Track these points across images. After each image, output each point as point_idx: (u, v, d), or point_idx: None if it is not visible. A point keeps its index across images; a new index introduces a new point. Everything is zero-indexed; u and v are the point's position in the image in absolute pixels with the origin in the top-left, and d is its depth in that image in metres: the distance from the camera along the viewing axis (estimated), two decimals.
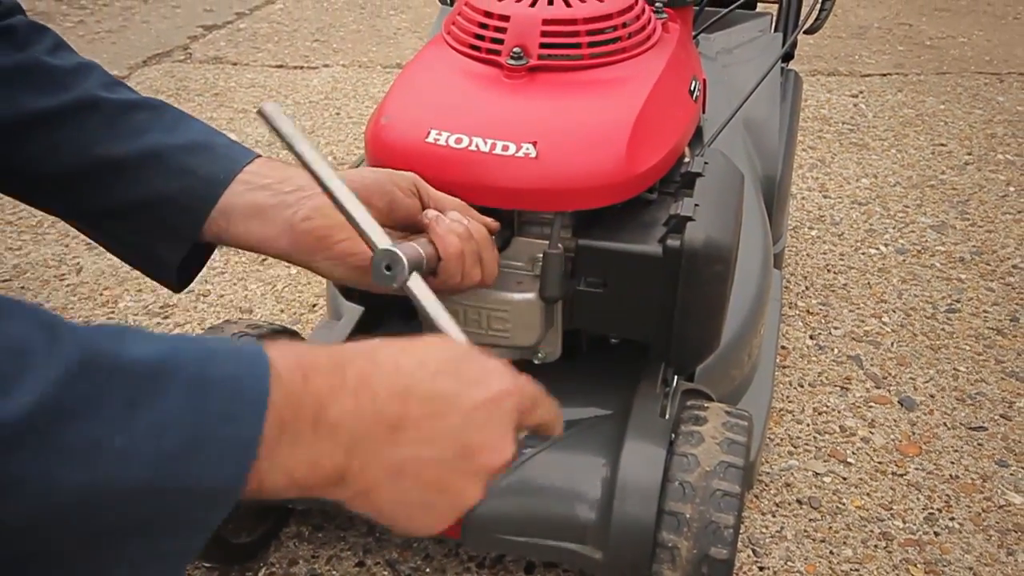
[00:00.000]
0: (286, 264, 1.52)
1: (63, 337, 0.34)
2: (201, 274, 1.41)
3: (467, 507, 0.46)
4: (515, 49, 0.80)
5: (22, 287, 1.46)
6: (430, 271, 0.64)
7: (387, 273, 0.56)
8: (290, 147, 0.53)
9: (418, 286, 0.56)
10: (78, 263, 1.52)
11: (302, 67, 2.55)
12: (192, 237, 0.64)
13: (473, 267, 0.66)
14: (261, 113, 0.53)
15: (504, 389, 0.47)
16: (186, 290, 1.46)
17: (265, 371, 0.38)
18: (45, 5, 3.10)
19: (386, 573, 0.92)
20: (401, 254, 0.55)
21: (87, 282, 1.47)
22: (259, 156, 0.68)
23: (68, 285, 1.46)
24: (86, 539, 0.34)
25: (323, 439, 0.40)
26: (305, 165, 0.55)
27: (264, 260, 1.53)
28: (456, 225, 0.65)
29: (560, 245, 0.75)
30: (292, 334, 0.94)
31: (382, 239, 0.56)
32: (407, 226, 0.66)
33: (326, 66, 2.55)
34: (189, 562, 0.39)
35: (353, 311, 0.94)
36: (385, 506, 0.44)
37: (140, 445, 0.34)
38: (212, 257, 1.54)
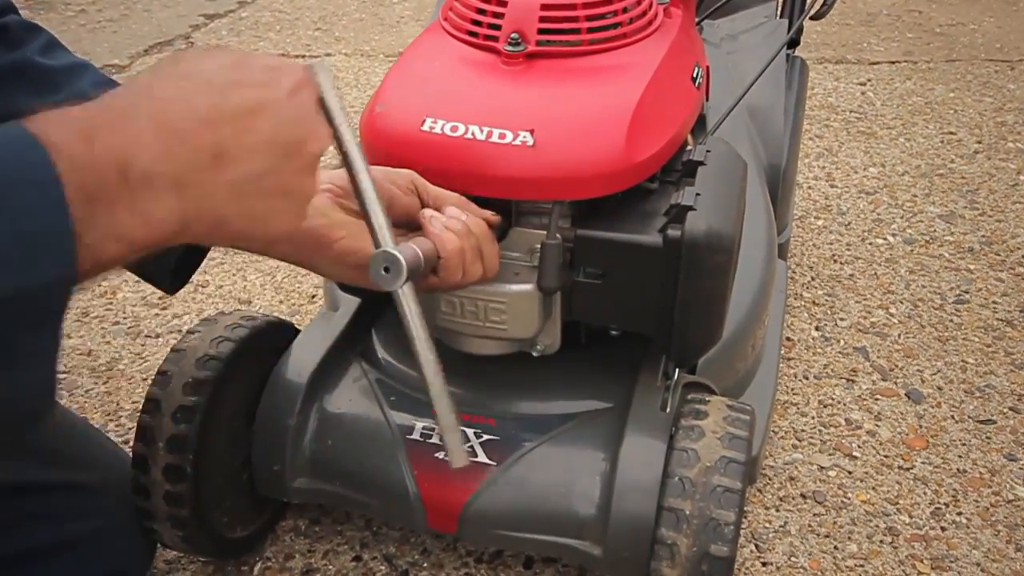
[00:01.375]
0: None
1: None
2: (200, 265, 1.39)
3: (311, 197, 0.47)
4: (513, 35, 0.78)
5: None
6: (430, 271, 0.63)
7: (384, 275, 0.55)
8: (328, 119, 0.51)
9: (407, 297, 0.55)
10: None
11: (304, 56, 2.53)
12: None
13: (474, 263, 0.65)
14: (310, 72, 0.50)
15: (296, 78, 0.46)
16: None
17: (42, 153, 0.36)
18: None
19: (383, 567, 0.91)
20: (402, 259, 0.54)
21: None
22: None
23: None
24: None
25: (141, 193, 0.39)
26: (338, 143, 0.53)
27: None
28: (454, 222, 0.64)
29: (558, 235, 0.73)
30: (287, 325, 0.92)
31: (388, 240, 0.55)
32: (406, 224, 0.65)
33: (328, 55, 2.53)
34: (54, 362, 0.38)
35: (351, 303, 0.92)
36: (238, 228, 0.44)
37: None
38: (211, 249, 1.52)
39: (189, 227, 0.41)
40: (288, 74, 0.46)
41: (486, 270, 0.67)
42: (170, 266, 0.64)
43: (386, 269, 0.55)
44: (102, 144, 0.38)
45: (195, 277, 1.41)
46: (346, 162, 0.54)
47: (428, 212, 0.64)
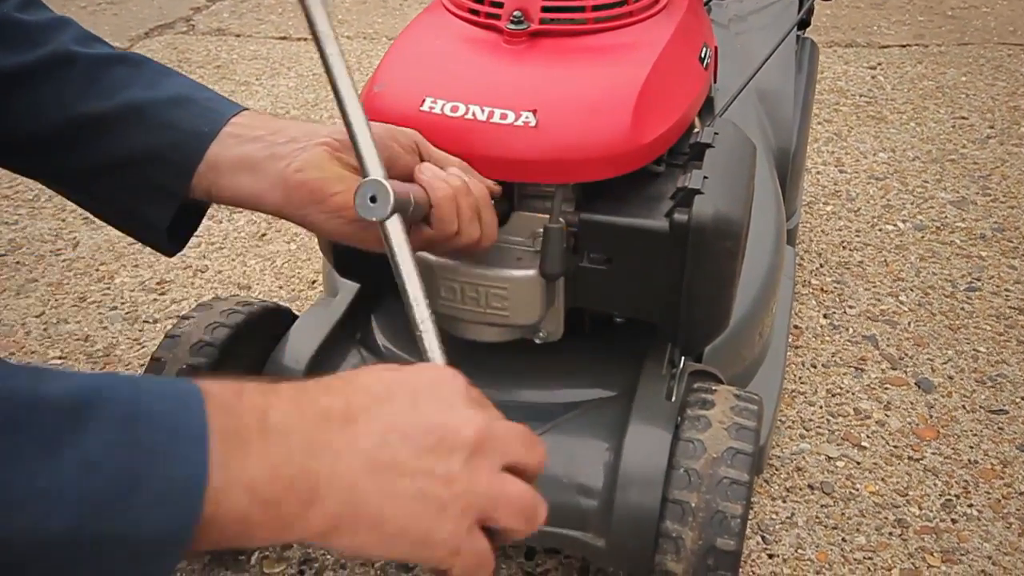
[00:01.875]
0: (286, 240, 1.49)
1: None
2: (199, 249, 1.38)
3: (457, 502, 0.41)
4: (515, 13, 0.76)
5: (17, 262, 1.43)
6: (420, 217, 0.61)
7: (370, 205, 0.53)
8: (317, 44, 0.50)
9: (395, 230, 0.53)
10: (75, 238, 1.49)
11: (306, 39, 2.50)
12: (179, 194, 0.61)
13: (471, 222, 0.63)
14: None
15: (468, 450, 0.42)
16: (184, 266, 1.44)
17: (200, 402, 0.35)
18: None
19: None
20: (389, 187, 0.52)
21: (83, 257, 1.44)
22: (246, 109, 0.65)
23: (64, 260, 1.44)
24: None
25: (273, 444, 0.37)
26: (327, 69, 0.52)
27: (263, 236, 1.50)
28: (452, 178, 0.62)
29: (562, 219, 0.71)
30: (284, 311, 0.90)
31: (376, 169, 0.53)
32: (405, 182, 0.63)
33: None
34: None
35: (350, 288, 0.91)
36: (379, 505, 0.39)
37: (65, 487, 0.31)
38: (211, 232, 1.51)
39: (322, 500, 0.38)
40: (457, 449, 0.42)
41: (484, 235, 0.64)
42: (164, 224, 0.62)
43: (372, 199, 0.53)
44: (249, 398, 0.38)
45: (194, 262, 1.41)
46: (334, 88, 0.52)
47: (423, 165, 0.62)
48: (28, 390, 0.32)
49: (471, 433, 0.42)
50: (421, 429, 0.41)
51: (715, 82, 1.00)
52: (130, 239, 1.33)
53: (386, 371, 0.44)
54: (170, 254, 0.67)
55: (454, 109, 0.70)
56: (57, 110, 0.61)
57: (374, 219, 0.53)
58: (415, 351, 0.86)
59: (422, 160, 0.64)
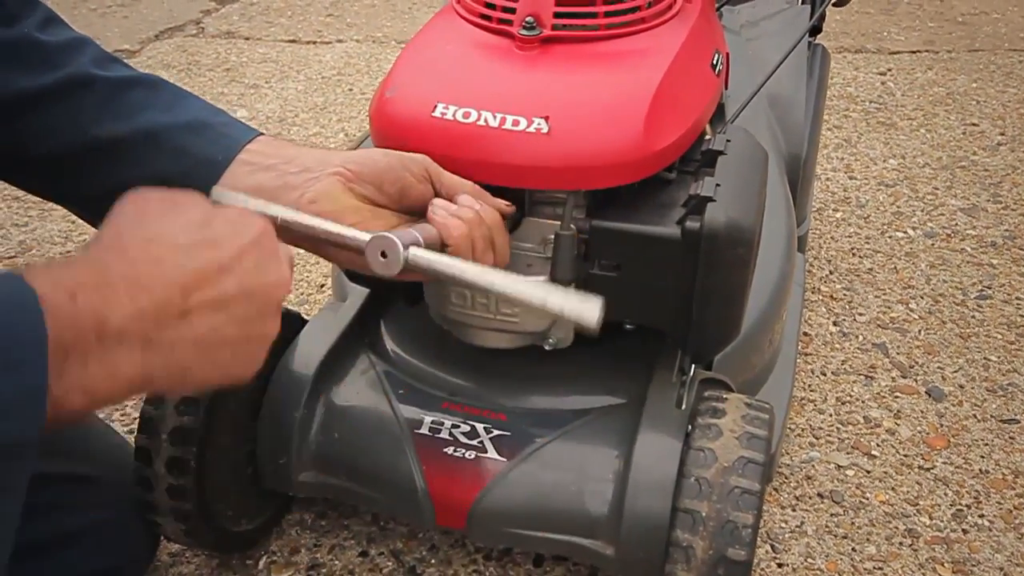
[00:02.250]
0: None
1: None
2: None
3: (272, 337, 0.49)
4: (528, 19, 0.76)
5: (28, 264, 1.44)
6: (435, 249, 0.62)
7: (384, 260, 0.54)
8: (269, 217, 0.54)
9: (420, 255, 0.54)
10: (85, 240, 1.50)
11: (315, 42, 2.50)
12: None
13: (485, 252, 0.64)
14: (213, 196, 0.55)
15: (258, 229, 0.48)
16: None
17: (37, 311, 0.37)
18: None
19: (390, 563, 0.89)
20: (398, 242, 0.53)
21: None
22: (261, 135, 0.65)
23: None
24: None
25: (112, 348, 0.41)
26: (287, 226, 0.55)
27: None
28: (465, 211, 0.62)
29: (573, 226, 0.71)
30: (294, 316, 0.90)
31: (361, 234, 0.55)
32: (418, 212, 0.64)
33: (339, 41, 2.51)
34: (12, 528, 0.39)
35: (359, 293, 0.90)
36: (200, 378, 0.46)
37: None
38: None
39: (152, 381, 0.43)
40: (249, 226, 0.48)
41: (497, 259, 0.65)
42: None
43: (383, 254, 0.54)
44: (84, 301, 0.40)
45: None
46: (309, 233, 0.56)
47: (437, 201, 0.63)
48: None
49: (282, 292, 0.49)
50: (245, 298, 0.47)
51: (727, 88, 1.00)
52: None
53: (207, 237, 0.46)
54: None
55: (466, 115, 0.70)
56: (73, 133, 0.61)
57: (389, 275, 0.54)
58: (424, 356, 0.87)
59: (434, 186, 0.64)
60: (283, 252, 0.50)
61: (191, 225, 0.46)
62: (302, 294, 1.36)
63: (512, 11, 0.77)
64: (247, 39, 2.52)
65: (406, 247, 0.54)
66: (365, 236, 0.55)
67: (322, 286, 1.38)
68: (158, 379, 0.44)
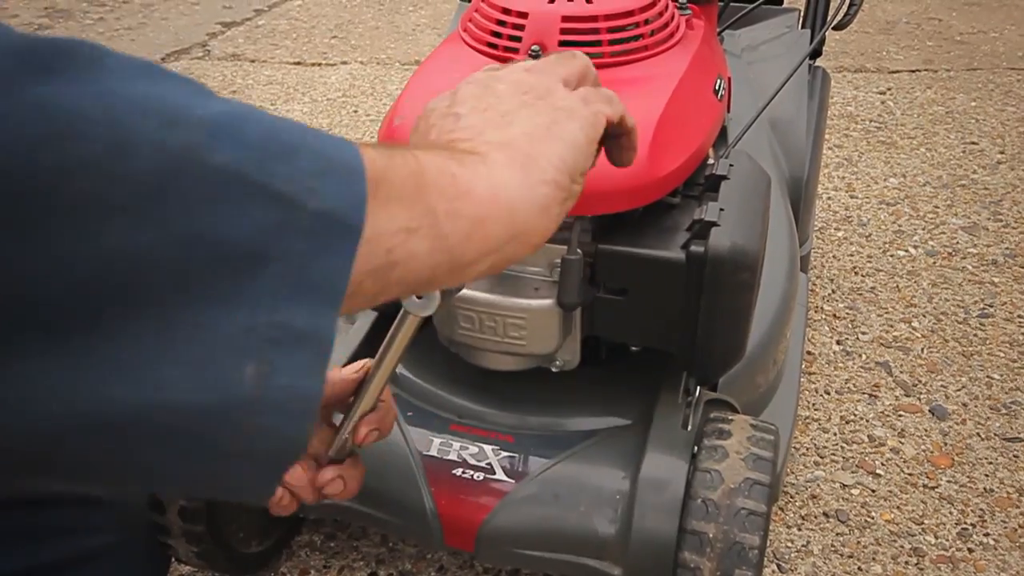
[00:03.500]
0: None
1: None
2: None
3: (591, 101, 0.48)
4: (533, 47, 0.77)
5: None
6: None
7: (419, 301, 0.54)
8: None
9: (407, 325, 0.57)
10: None
11: (320, 64, 2.53)
12: None
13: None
14: None
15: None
16: None
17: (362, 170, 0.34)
18: (66, 3, 3.11)
19: None
20: None
21: None
22: None
23: None
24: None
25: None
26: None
27: None
28: None
29: (579, 250, 0.72)
30: None
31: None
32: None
33: (344, 63, 2.53)
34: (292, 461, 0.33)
35: (367, 315, 0.91)
36: (507, 131, 0.44)
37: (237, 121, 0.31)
38: None
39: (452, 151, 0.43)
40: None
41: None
42: None
43: (418, 296, 0.54)
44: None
45: None
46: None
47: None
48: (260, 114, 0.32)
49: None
50: (519, 80, 0.47)
51: (729, 112, 1.01)
52: None
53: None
54: None
55: None
56: None
57: (419, 315, 0.55)
58: (433, 378, 0.87)
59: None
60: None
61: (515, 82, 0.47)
62: None
63: (518, 39, 0.79)
64: (252, 61, 2.55)
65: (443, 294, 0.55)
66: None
67: None
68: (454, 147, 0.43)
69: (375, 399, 0.59)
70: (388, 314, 0.90)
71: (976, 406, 1.17)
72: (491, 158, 0.41)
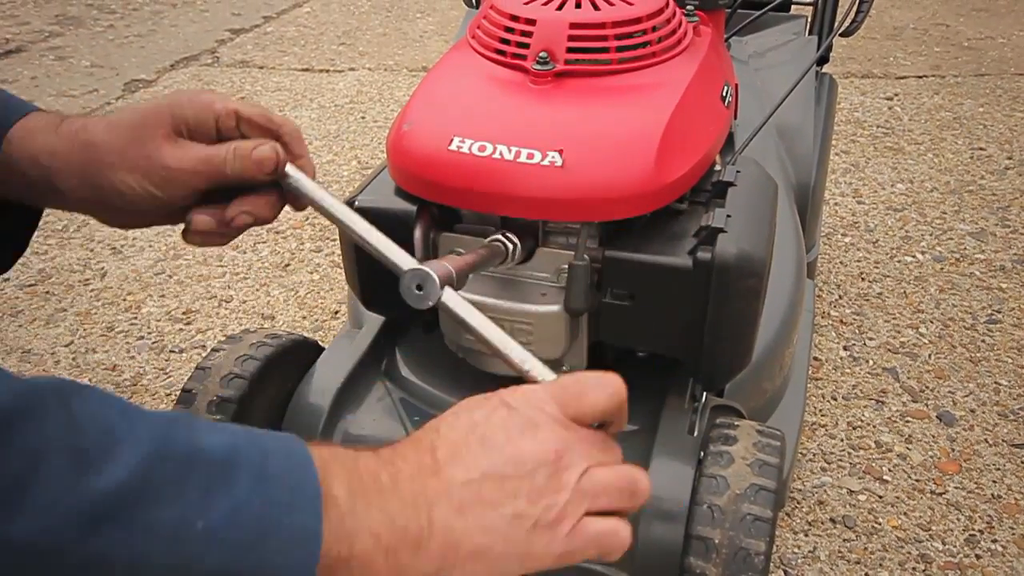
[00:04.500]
0: (309, 271, 1.51)
1: (140, 421, 0.36)
2: (224, 280, 1.39)
3: (556, 506, 0.44)
4: (541, 54, 0.77)
5: (47, 291, 1.46)
6: (461, 285, 0.63)
7: (419, 293, 0.55)
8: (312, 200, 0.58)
9: (453, 300, 0.55)
10: (102, 268, 1.52)
11: (328, 70, 2.54)
12: None
13: None
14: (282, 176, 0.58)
15: (568, 498, 0.45)
16: (208, 296, 1.46)
17: (312, 467, 0.40)
18: (76, 10, 3.13)
19: None
20: (432, 272, 0.54)
21: (111, 287, 1.47)
22: (38, 110, 0.60)
23: (92, 290, 1.46)
24: None
25: (388, 499, 0.42)
26: (318, 207, 0.58)
27: (287, 266, 1.52)
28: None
29: (586, 256, 0.72)
30: (312, 344, 0.92)
31: (404, 259, 0.55)
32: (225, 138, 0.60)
33: (352, 69, 2.54)
34: None
35: (374, 320, 0.92)
36: (478, 547, 0.43)
37: (219, 530, 0.36)
38: (235, 263, 1.53)
39: (431, 539, 0.43)
40: (538, 468, 0.45)
41: None
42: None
43: (419, 287, 0.55)
44: (363, 461, 0.43)
45: (219, 292, 1.43)
46: (330, 216, 0.59)
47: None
48: (188, 443, 0.37)
49: (547, 452, 0.45)
50: (500, 462, 0.45)
51: (736, 118, 1.02)
52: (156, 269, 1.35)
53: (460, 415, 0.47)
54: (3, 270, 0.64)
55: (482, 148, 0.71)
56: None
57: (418, 307, 0.55)
58: (440, 383, 0.88)
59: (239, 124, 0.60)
60: (553, 415, 0.46)
61: (503, 461, 0.45)
62: (317, 320, 1.38)
63: (526, 46, 0.79)
64: (261, 68, 2.56)
65: (443, 285, 0.55)
66: (405, 264, 0.56)
67: (336, 312, 1.40)
68: (433, 547, 0.43)
69: (511, 342, 0.55)
70: (394, 321, 0.91)
71: (984, 412, 1.17)
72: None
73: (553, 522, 0.44)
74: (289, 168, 0.59)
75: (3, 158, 0.57)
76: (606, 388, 0.49)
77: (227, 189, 0.59)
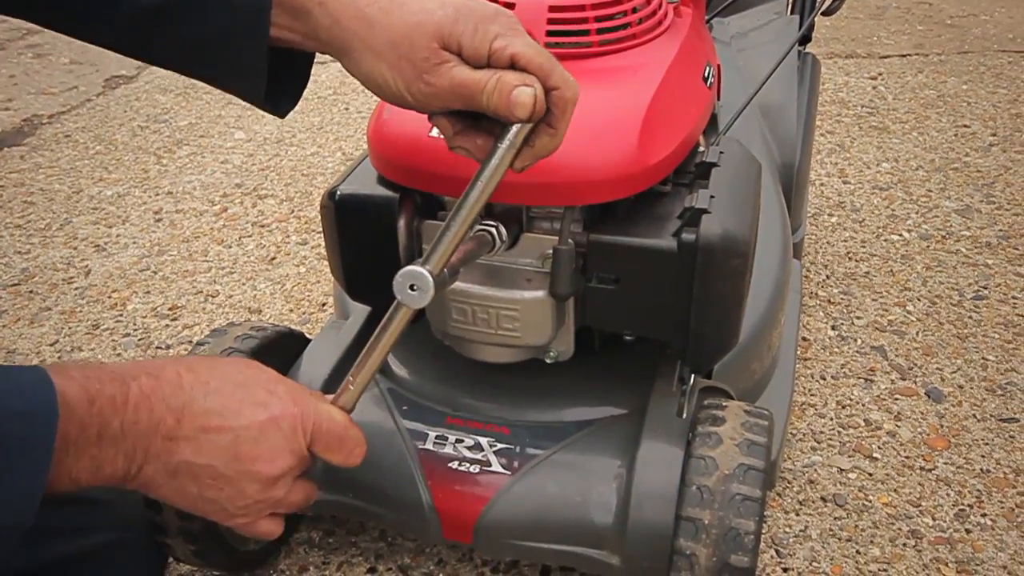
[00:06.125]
0: (295, 263, 1.50)
1: None
2: (209, 275, 1.38)
3: (252, 515, 0.56)
4: None
5: (31, 291, 1.45)
6: (453, 281, 0.64)
7: (410, 292, 0.57)
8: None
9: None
10: (87, 266, 1.51)
11: (324, 62, 2.52)
12: (255, 52, 0.59)
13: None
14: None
15: (284, 412, 0.55)
16: (194, 291, 1.44)
17: (52, 427, 0.44)
18: None
19: None
20: (430, 278, 0.56)
21: (96, 285, 1.46)
22: None
23: (76, 288, 1.45)
24: None
25: (106, 448, 0.47)
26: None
27: (273, 259, 1.51)
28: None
29: (570, 240, 0.72)
30: (298, 336, 0.91)
31: (432, 261, 0.58)
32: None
33: (334, 61, 2.53)
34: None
35: (360, 311, 0.91)
36: (169, 497, 0.53)
37: None
38: (221, 257, 1.52)
39: (128, 481, 0.51)
40: (281, 404, 0.55)
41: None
42: (261, 96, 0.62)
43: (412, 287, 0.57)
44: (98, 406, 0.47)
45: (205, 287, 1.42)
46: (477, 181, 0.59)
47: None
48: None
49: (272, 476, 0.54)
50: (228, 466, 0.52)
51: (719, 99, 1.01)
52: (141, 266, 1.34)
53: (233, 398, 0.53)
54: (281, 115, 0.66)
55: None
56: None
57: (413, 307, 0.58)
58: (427, 372, 0.88)
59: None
60: (299, 443, 0.56)
61: (233, 377, 0.53)
62: (304, 313, 1.38)
63: None
64: None
65: (437, 285, 0.57)
66: (430, 264, 0.57)
67: (323, 305, 1.39)
68: (130, 482, 0.51)
69: (362, 389, 0.61)
70: (381, 311, 0.90)
71: (971, 388, 1.17)
72: None
73: (237, 516, 0.55)
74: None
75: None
76: (352, 455, 0.61)
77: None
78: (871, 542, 0.94)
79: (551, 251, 0.72)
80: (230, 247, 1.53)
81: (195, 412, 0.51)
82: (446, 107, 0.59)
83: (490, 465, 0.78)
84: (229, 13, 0.59)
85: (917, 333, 1.28)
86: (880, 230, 1.57)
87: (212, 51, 0.61)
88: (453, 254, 0.59)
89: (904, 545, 0.94)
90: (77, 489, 0.47)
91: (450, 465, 0.78)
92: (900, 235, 1.55)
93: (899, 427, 1.11)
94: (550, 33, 0.77)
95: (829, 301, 1.37)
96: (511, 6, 0.78)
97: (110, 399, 0.47)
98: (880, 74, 2.32)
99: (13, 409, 0.43)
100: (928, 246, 1.51)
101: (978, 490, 1.01)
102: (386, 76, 0.58)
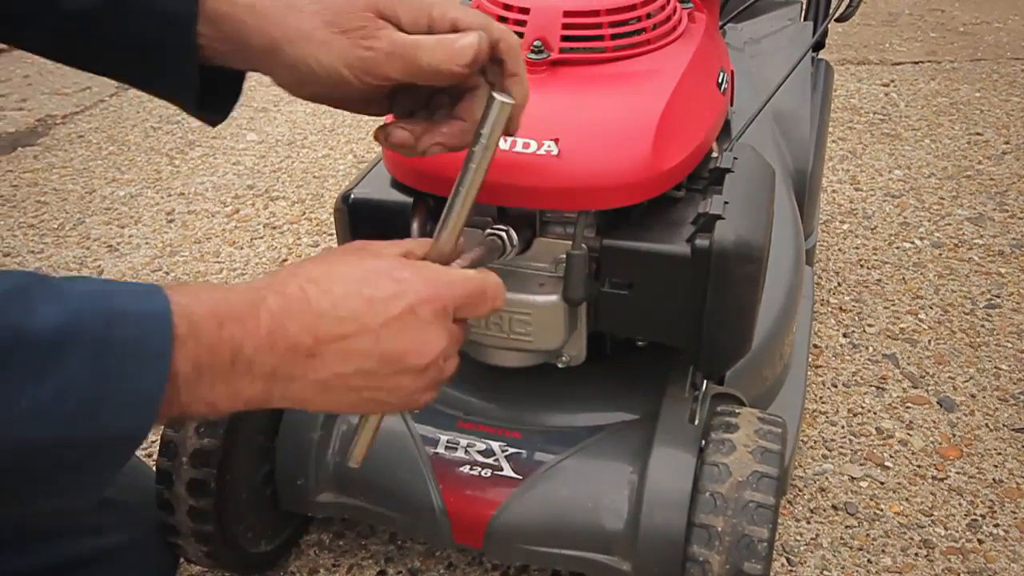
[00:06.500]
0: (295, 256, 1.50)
1: None
2: (222, 276, 1.38)
3: (415, 398, 0.53)
4: (535, 42, 0.77)
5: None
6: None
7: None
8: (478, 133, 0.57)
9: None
10: (99, 266, 1.52)
11: None
12: (185, 63, 0.58)
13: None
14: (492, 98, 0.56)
15: (419, 299, 0.51)
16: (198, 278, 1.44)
17: (167, 333, 0.42)
18: None
19: None
20: None
21: None
22: None
23: None
24: (7, 476, 0.40)
25: (241, 374, 0.46)
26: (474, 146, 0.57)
27: (284, 261, 1.52)
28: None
29: (584, 245, 0.72)
30: None
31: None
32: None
33: None
34: (108, 485, 0.44)
35: None
36: (328, 408, 0.51)
37: (45, 408, 0.38)
38: (232, 258, 1.52)
39: (270, 402, 0.48)
40: (414, 291, 0.51)
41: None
42: (197, 90, 0.60)
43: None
44: (228, 330, 0.45)
45: (210, 278, 1.42)
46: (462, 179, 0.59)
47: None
48: (16, 325, 0.38)
49: (422, 361, 0.51)
50: (377, 361, 0.50)
51: (732, 105, 1.01)
52: (153, 266, 1.35)
53: (362, 299, 0.50)
54: (212, 124, 0.65)
55: None
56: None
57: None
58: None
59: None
60: (444, 324, 0.52)
61: (355, 276, 0.50)
62: None
63: (520, 35, 0.79)
64: None
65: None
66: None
67: None
68: (276, 402, 0.49)
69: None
70: None
71: (984, 397, 1.17)
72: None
73: (404, 404, 0.53)
74: (496, 93, 0.56)
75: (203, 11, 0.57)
76: (497, 300, 0.56)
77: (425, 97, 0.59)
78: (883, 551, 0.94)
79: (564, 256, 0.72)
80: (242, 248, 1.54)
81: (330, 324, 0.48)
82: (384, 79, 0.57)
83: (501, 470, 0.78)
84: (157, 21, 0.58)
85: (929, 341, 1.28)
86: (892, 237, 1.56)
87: (142, 59, 0.60)
88: (460, 235, 0.59)
89: (916, 555, 0.93)
90: (215, 413, 0.48)
91: (461, 469, 0.78)
92: (912, 243, 1.55)
93: (911, 436, 1.10)
94: (564, 39, 0.77)
95: (841, 308, 1.36)
96: (526, 11, 0.78)
97: (239, 322, 0.45)
98: (892, 81, 2.31)
99: (128, 311, 0.41)
100: (940, 254, 1.51)
101: (991, 500, 1.00)
102: (319, 57, 0.56)
